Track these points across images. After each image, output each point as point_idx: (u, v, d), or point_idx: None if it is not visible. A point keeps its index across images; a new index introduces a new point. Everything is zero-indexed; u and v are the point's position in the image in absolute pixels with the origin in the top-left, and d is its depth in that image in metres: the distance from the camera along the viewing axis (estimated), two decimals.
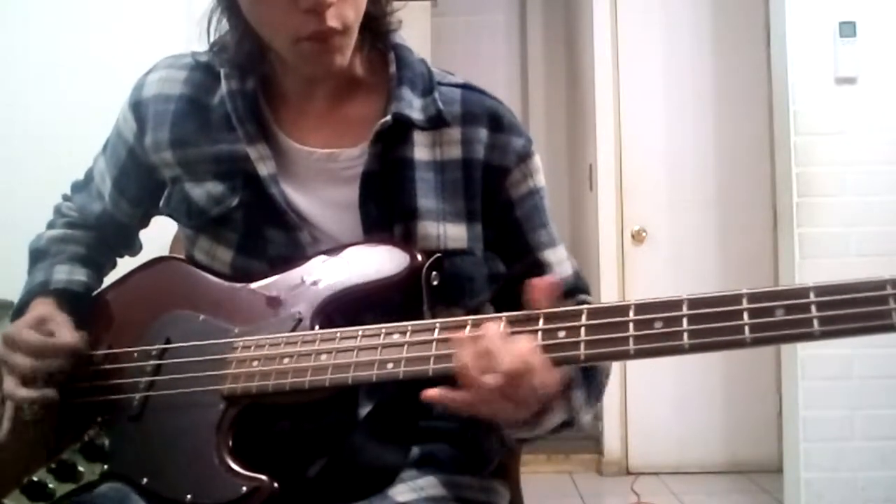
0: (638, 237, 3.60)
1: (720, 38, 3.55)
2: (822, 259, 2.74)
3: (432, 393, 0.77)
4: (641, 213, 3.60)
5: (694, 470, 3.50)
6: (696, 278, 3.48)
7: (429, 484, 0.90)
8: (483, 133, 0.96)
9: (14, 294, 1.05)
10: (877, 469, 2.71)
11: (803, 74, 2.78)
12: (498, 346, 0.74)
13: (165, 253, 1.12)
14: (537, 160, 1.00)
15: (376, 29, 0.97)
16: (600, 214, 3.61)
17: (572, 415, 0.88)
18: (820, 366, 2.72)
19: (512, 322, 0.78)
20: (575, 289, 1.01)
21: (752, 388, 3.48)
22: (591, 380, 0.91)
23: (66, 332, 0.96)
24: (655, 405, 3.54)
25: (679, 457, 3.53)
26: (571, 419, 0.89)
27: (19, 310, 1.02)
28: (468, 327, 0.79)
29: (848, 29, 2.74)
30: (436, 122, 0.96)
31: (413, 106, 0.95)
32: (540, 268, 0.99)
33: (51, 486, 0.91)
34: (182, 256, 1.03)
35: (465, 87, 1.00)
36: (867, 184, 2.75)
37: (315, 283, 0.90)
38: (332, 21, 0.86)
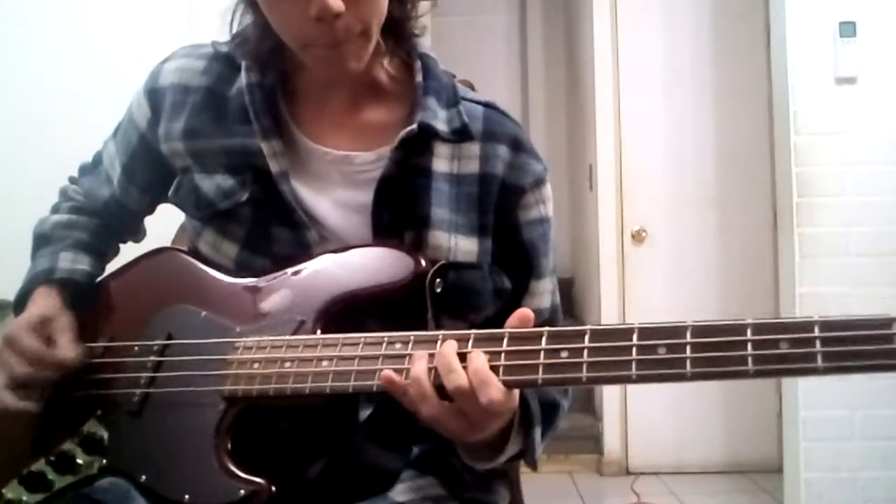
0: (638, 237, 3.60)
1: (720, 38, 3.55)
2: (821, 259, 2.74)
3: (387, 373, 0.78)
4: (641, 213, 3.60)
5: (694, 470, 3.50)
6: (696, 278, 3.48)
7: (428, 484, 0.90)
8: (504, 150, 0.97)
9: (13, 294, 1.05)
10: (877, 469, 2.71)
11: (803, 74, 2.78)
12: (451, 363, 0.75)
13: (169, 243, 1.12)
14: (549, 190, 1.01)
15: (399, 34, 0.97)
16: (600, 214, 3.61)
17: (529, 451, 0.91)
18: None
19: (514, 339, 0.77)
20: (546, 323, 0.98)
21: (752, 388, 3.47)
22: (550, 419, 0.94)
23: (65, 343, 0.95)
24: (655, 405, 3.54)
25: (679, 457, 3.53)
26: (524, 453, 0.91)
27: (22, 297, 1.02)
28: (471, 340, 0.78)
29: (848, 29, 2.74)
30: (460, 135, 0.96)
31: (438, 117, 0.94)
32: (519, 294, 0.99)
33: (50, 477, 0.90)
34: (184, 248, 1.03)
35: (489, 106, 1.00)
36: (867, 184, 2.75)
37: (318, 284, 0.89)
38: (342, 29, 0.86)
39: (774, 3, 2.93)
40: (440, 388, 0.75)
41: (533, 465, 0.94)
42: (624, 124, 3.62)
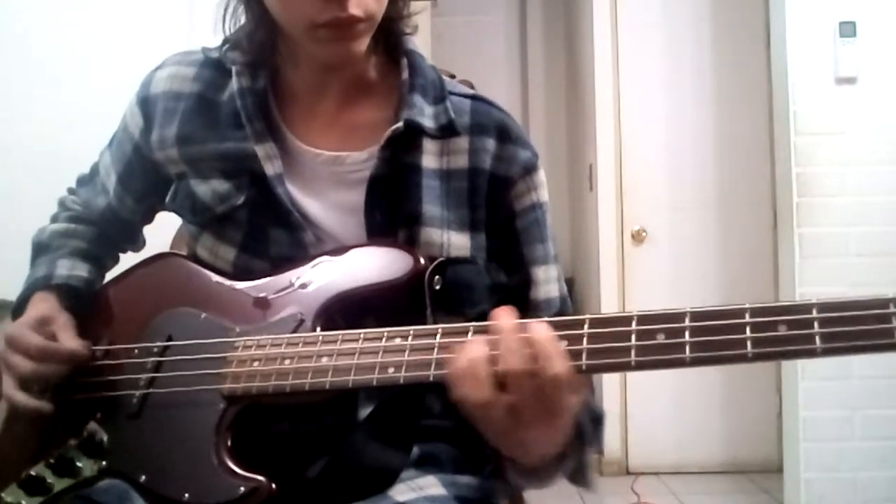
0: (638, 237, 3.60)
1: (720, 38, 3.55)
2: (821, 259, 2.74)
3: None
4: (641, 213, 3.61)
5: (694, 470, 3.50)
6: (696, 278, 3.49)
7: (428, 483, 0.90)
8: (491, 143, 0.96)
9: (14, 294, 1.05)
10: (877, 469, 2.71)
11: (803, 74, 2.78)
12: (551, 350, 0.71)
13: (167, 249, 1.12)
14: (542, 175, 1.00)
15: (391, 31, 0.97)
16: (600, 214, 3.61)
17: (580, 467, 0.88)
18: (820, 366, 2.72)
19: None
20: (557, 315, 0.98)
21: (752, 388, 3.48)
22: (598, 435, 0.93)
23: (68, 337, 0.95)
24: (655, 405, 3.54)
25: (679, 457, 3.53)
26: (573, 472, 0.89)
27: (20, 304, 1.02)
28: (470, 333, 0.78)
29: (848, 29, 2.74)
30: (446, 131, 0.95)
31: (424, 113, 0.94)
32: (527, 284, 0.98)
33: (49, 480, 0.90)
34: (184, 253, 1.03)
35: (475, 98, 1.00)
36: (867, 184, 2.75)
37: (317, 284, 0.90)
38: (355, 9, 0.86)
39: (774, 3, 2.93)
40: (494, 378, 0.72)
41: (585, 484, 0.91)
42: (624, 124, 3.62)
